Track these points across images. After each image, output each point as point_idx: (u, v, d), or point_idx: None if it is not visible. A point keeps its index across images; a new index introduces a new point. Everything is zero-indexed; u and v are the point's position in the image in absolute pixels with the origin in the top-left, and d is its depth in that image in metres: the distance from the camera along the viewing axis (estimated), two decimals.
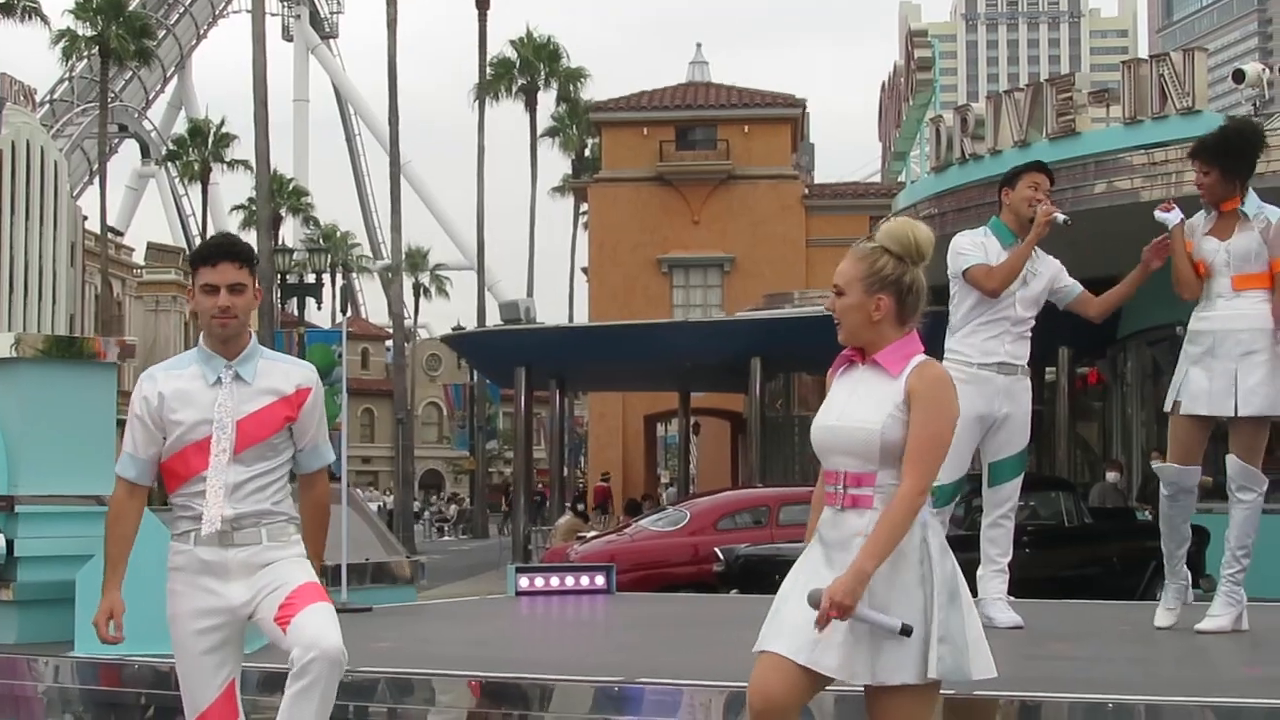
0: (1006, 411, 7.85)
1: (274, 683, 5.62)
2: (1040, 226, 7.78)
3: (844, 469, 4.27)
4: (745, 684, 4.40)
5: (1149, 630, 7.95)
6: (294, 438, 5.27)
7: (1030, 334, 8.00)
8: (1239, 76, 23.18)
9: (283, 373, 5.28)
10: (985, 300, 7.84)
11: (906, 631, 4.10)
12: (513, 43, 61.59)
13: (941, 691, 5.04)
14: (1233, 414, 7.41)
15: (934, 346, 4.44)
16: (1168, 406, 7.60)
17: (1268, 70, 23.74)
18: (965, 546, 5.95)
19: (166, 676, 6.27)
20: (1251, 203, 7.55)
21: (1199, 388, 7.46)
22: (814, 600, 4.08)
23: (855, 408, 4.29)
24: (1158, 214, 7.81)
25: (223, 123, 73.74)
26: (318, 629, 4.95)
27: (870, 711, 4.27)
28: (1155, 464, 8.02)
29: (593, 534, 23.11)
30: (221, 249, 5.26)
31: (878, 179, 53.79)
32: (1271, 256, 7.46)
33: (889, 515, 4.13)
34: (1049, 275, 8.02)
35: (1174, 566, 7.75)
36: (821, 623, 4.05)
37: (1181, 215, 7.71)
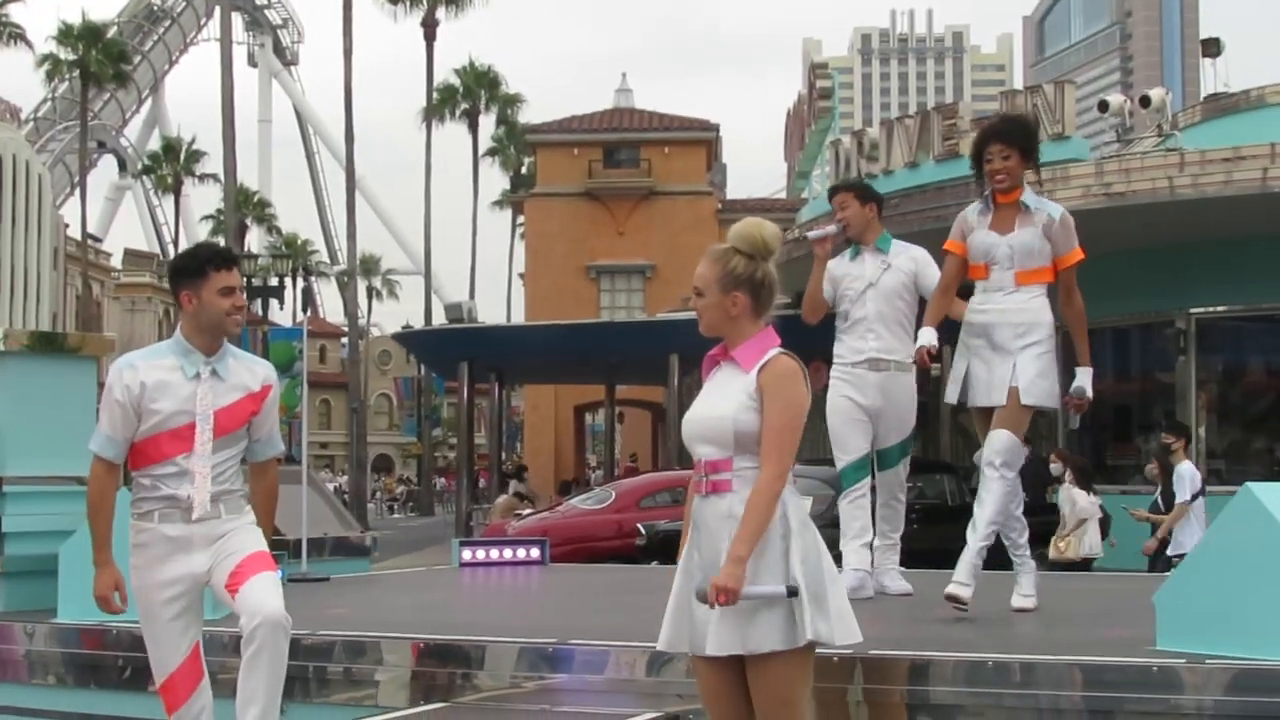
0: (880, 405, 7.68)
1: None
2: (815, 250, 7.56)
3: (705, 457, 4.21)
4: None
5: None
6: (251, 429, 5.24)
7: (902, 326, 7.63)
8: (1104, 106, 23.45)
9: (249, 370, 5.27)
10: (841, 306, 7.72)
11: (793, 592, 4.03)
12: (457, 71, 61.40)
13: (840, 653, 5.06)
14: (1002, 403, 6.72)
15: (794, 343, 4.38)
16: (951, 398, 6.93)
17: (1129, 101, 24.03)
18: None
19: (142, 641, 6.19)
20: (1030, 196, 6.86)
21: (978, 379, 6.81)
22: (701, 595, 4.03)
23: (714, 401, 4.24)
24: (813, 234, 7.56)
25: (193, 140, 73.29)
26: (261, 596, 4.93)
27: (749, 681, 4.16)
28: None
29: (528, 511, 23.06)
30: (230, 255, 5.27)
31: (783, 195, 54.06)
32: (1055, 255, 6.75)
33: (753, 502, 4.06)
34: (906, 269, 7.64)
35: (1020, 555, 6.98)
36: (713, 606, 3.98)
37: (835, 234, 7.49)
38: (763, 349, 4.22)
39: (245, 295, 5.17)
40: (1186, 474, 13.02)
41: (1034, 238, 6.73)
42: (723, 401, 4.20)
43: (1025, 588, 6.96)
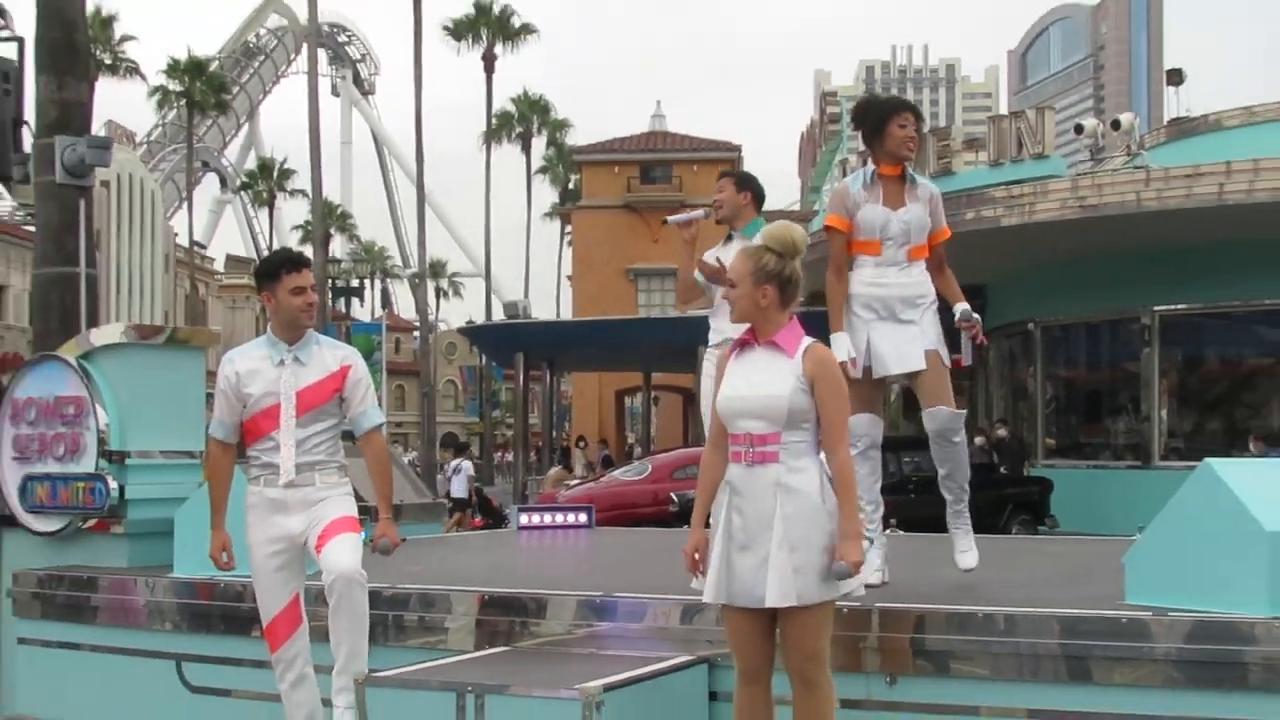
0: None
1: None
2: (683, 235, 6.54)
3: (751, 431, 4.18)
4: (696, 597, 4.40)
5: (1006, 558, 8.00)
6: (345, 406, 5.31)
7: None
8: (1079, 129, 23.31)
9: (331, 354, 5.35)
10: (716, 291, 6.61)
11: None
12: (513, 100, 61.41)
13: (856, 605, 5.08)
14: (921, 367, 5.97)
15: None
16: (856, 373, 5.83)
17: (1101, 124, 23.87)
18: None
19: (244, 593, 6.27)
20: (910, 170, 6.11)
21: (884, 350, 5.96)
22: (842, 574, 4.09)
23: (761, 381, 4.21)
24: (675, 218, 6.57)
25: (284, 160, 73.48)
26: (337, 555, 5.03)
27: (783, 628, 4.21)
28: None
29: (575, 482, 23.11)
30: (302, 259, 5.34)
31: (797, 207, 53.78)
32: (932, 230, 6.05)
33: (843, 481, 4.11)
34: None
35: (872, 532, 5.97)
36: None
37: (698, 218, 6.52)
38: (799, 336, 4.26)
39: (316, 293, 5.22)
40: None
41: (923, 213, 6.05)
42: (773, 382, 4.19)
43: (875, 562, 5.88)
